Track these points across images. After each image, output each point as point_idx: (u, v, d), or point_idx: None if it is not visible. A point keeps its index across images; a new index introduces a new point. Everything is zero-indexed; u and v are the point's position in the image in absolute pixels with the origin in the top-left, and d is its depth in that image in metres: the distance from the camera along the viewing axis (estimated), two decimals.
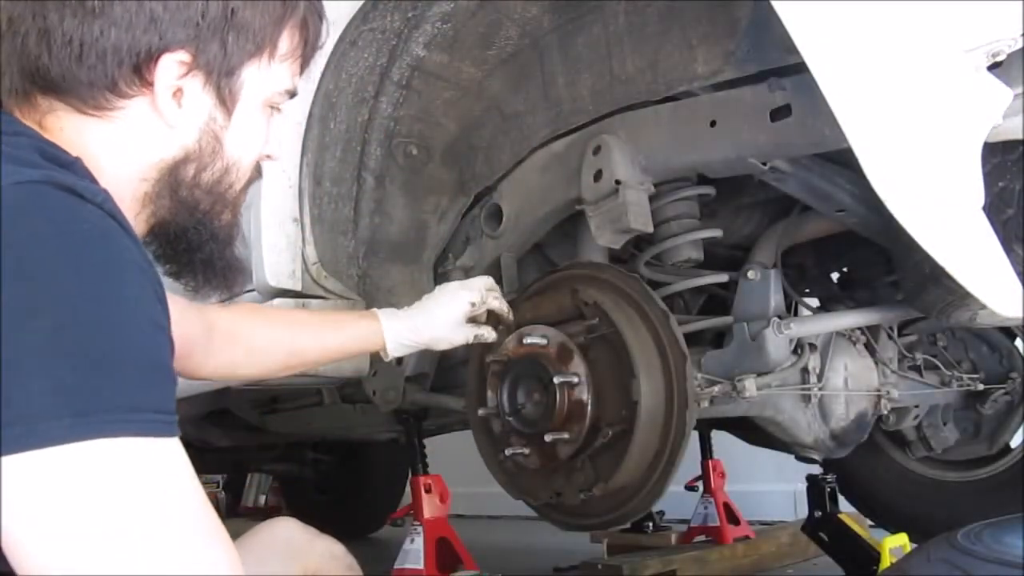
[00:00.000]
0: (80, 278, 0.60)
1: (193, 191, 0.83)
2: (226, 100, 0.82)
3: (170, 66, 0.77)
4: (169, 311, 0.68)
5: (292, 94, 0.90)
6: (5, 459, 0.56)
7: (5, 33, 0.77)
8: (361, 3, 1.46)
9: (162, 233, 0.86)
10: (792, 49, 0.96)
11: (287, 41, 0.85)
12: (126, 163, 0.79)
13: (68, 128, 0.78)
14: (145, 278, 0.65)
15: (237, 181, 0.88)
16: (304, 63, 0.90)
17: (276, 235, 1.53)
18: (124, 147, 0.78)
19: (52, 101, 0.78)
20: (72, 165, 0.69)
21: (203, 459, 3.41)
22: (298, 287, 1.57)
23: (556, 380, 1.36)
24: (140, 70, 0.76)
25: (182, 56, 0.77)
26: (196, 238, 0.87)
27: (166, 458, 0.61)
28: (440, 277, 1.76)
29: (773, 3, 0.96)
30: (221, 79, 0.80)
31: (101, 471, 0.57)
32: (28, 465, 0.56)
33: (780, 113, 1.21)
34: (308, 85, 1.53)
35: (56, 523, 0.56)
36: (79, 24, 0.74)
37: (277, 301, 1.56)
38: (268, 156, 0.92)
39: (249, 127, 0.85)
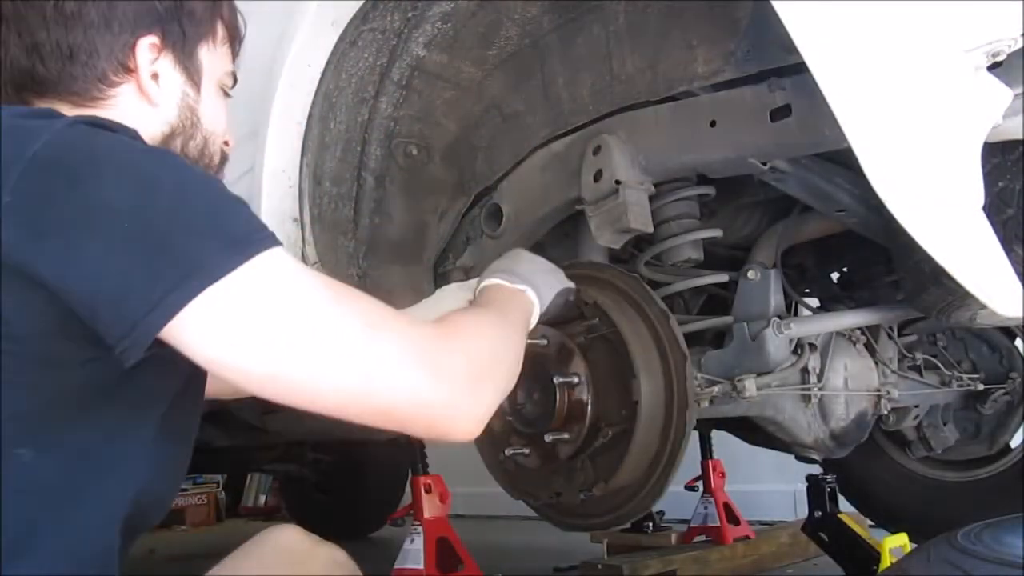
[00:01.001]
0: (165, 169, 0.75)
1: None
2: (193, 76, 0.95)
3: (145, 50, 0.91)
4: None
5: (235, 79, 1.04)
6: (191, 306, 0.68)
7: None
8: (361, 3, 1.46)
9: None
10: (792, 49, 0.96)
11: (221, 29, 1.00)
12: None
13: None
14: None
15: (213, 155, 1.00)
16: (234, 52, 1.05)
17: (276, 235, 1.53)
18: None
19: (51, 101, 0.89)
20: (136, 135, 0.82)
21: (203, 459, 3.41)
22: None
23: (556, 380, 1.36)
24: (122, 59, 0.90)
25: (152, 39, 0.91)
26: None
27: (289, 256, 0.77)
28: (440, 277, 1.76)
29: (773, 3, 0.96)
30: (185, 59, 0.94)
31: (268, 276, 0.73)
32: (215, 298, 0.69)
33: (780, 113, 1.21)
34: (308, 85, 1.53)
35: (259, 320, 0.71)
36: (64, 31, 0.87)
37: None
38: (226, 143, 1.04)
39: (213, 104, 0.99)
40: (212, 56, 0.98)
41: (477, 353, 0.80)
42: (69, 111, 0.86)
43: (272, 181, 1.53)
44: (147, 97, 0.91)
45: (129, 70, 0.90)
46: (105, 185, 0.71)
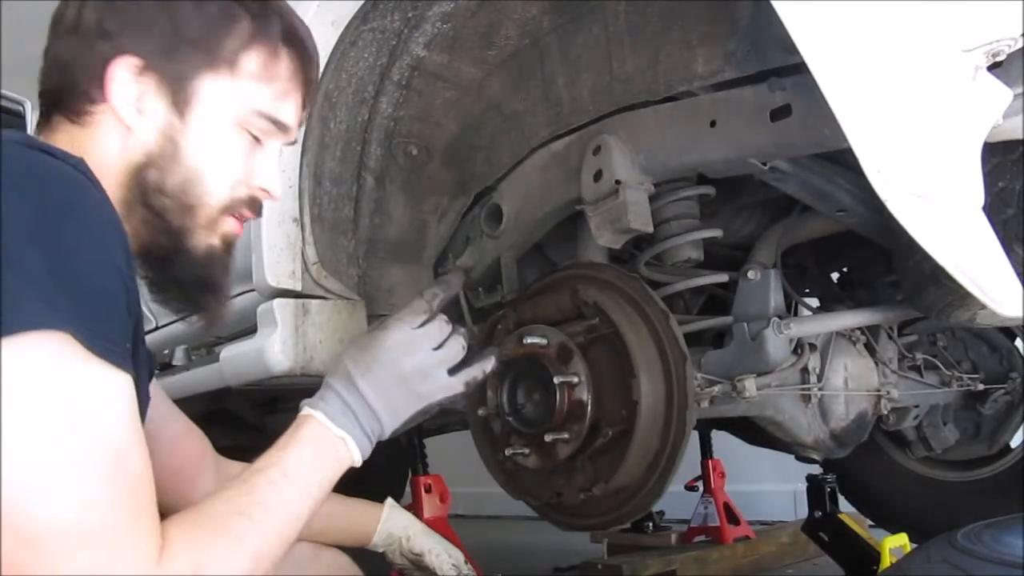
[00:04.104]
0: (45, 214, 0.67)
1: (159, 197, 0.87)
2: (179, 105, 0.86)
3: (120, 71, 0.85)
4: (131, 259, 0.75)
5: (279, 123, 0.92)
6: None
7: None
8: (361, 3, 1.46)
9: (144, 257, 0.90)
10: (792, 49, 0.96)
11: (254, 62, 0.89)
12: (104, 166, 0.84)
13: (67, 142, 0.85)
14: (109, 225, 0.72)
15: (207, 195, 0.89)
16: (303, 98, 0.94)
17: (276, 235, 1.53)
18: (100, 150, 0.85)
19: (58, 117, 0.88)
20: (78, 164, 0.75)
21: None
22: (298, 287, 1.57)
23: (556, 380, 1.36)
24: (100, 76, 0.85)
25: (132, 60, 0.85)
26: (172, 255, 0.90)
27: (107, 384, 0.68)
28: (440, 277, 1.76)
29: (773, 3, 0.96)
30: (173, 84, 0.86)
31: (64, 366, 0.64)
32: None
33: (780, 113, 1.21)
34: None
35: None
36: (63, 45, 0.87)
37: (278, 301, 1.56)
38: (263, 190, 0.95)
39: (212, 138, 0.88)
40: (223, 88, 0.88)
41: None
42: (69, 129, 0.86)
43: None
44: (120, 118, 0.85)
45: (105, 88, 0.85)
46: None
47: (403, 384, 0.95)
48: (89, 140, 0.86)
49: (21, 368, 0.62)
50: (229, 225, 0.93)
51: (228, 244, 0.94)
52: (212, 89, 0.88)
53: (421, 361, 0.96)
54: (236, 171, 0.91)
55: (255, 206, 0.95)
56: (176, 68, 0.86)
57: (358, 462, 0.92)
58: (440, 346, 0.98)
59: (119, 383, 0.69)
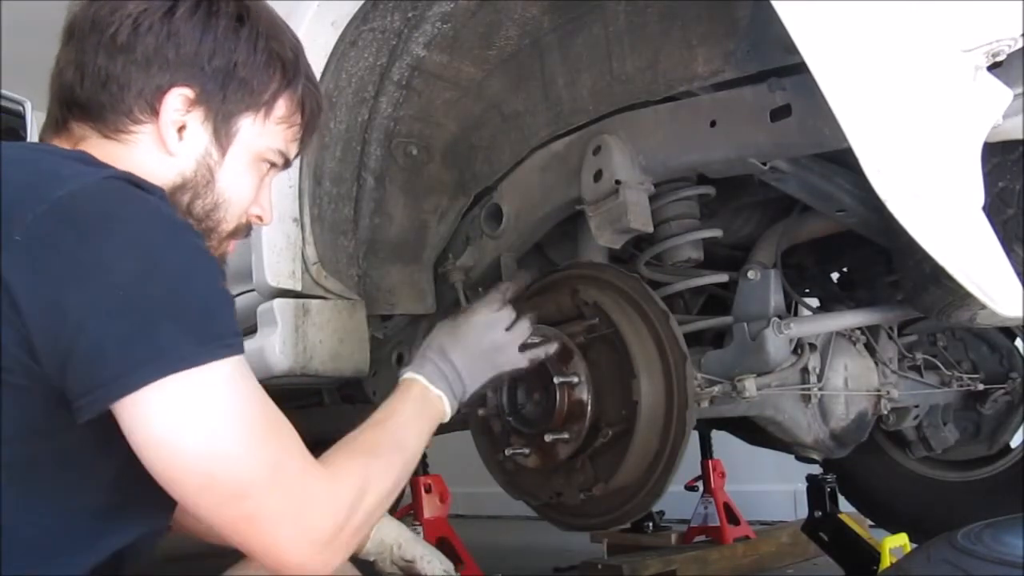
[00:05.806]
0: (176, 249, 0.80)
1: (186, 220, 0.93)
2: (221, 139, 0.95)
3: (175, 99, 0.91)
4: None
5: (286, 160, 1.03)
6: (150, 387, 0.74)
7: (53, 75, 0.93)
8: (361, 3, 1.46)
9: None
10: (792, 49, 0.96)
11: (283, 107, 0.99)
12: None
13: (95, 152, 0.89)
14: (200, 239, 0.85)
15: (224, 221, 0.98)
16: (302, 139, 1.04)
17: (276, 235, 1.53)
18: (136, 167, 0.89)
19: (84, 128, 0.92)
20: (163, 196, 0.87)
21: None
22: (298, 287, 1.57)
23: (556, 380, 1.36)
24: (150, 100, 0.90)
25: (186, 92, 0.91)
26: None
27: (245, 368, 0.82)
28: (440, 277, 1.76)
29: (773, 3, 0.96)
30: (218, 120, 0.94)
31: (221, 382, 0.78)
32: (172, 386, 0.75)
33: (780, 113, 1.21)
34: None
35: (190, 417, 0.76)
36: (108, 58, 0.89)
37: (278, 301, 1.56)
38: (259, 217, 1.04)
39: (240, 171, 0.98)
40: (257, 129, 0.97)
41: (354, 514, 0.85)
42: (97, 142, 0.91)
43: (272, 181, 1.53)
44: (163, 144, 0.91)
45: (155, 113, 0.91)
46: (111, 249, 0.75)
47: (484, 356, 1.20)
48: (126, 156, 0.90)
49: (202, 390, 0.76)
50: (229, 247, 1.02)
51: (222, 263, 1.02)
52: (249, 128, 0.96)
53: (499, 338, 1.22)
54: (250, 200, 1.00)
55: (248, 230, 1.04)
56: (225, 106, 0.94)
57: (448, 418, 1.12)
58: (511, 328, 1.24)
59: (244, 362, 0.82)
